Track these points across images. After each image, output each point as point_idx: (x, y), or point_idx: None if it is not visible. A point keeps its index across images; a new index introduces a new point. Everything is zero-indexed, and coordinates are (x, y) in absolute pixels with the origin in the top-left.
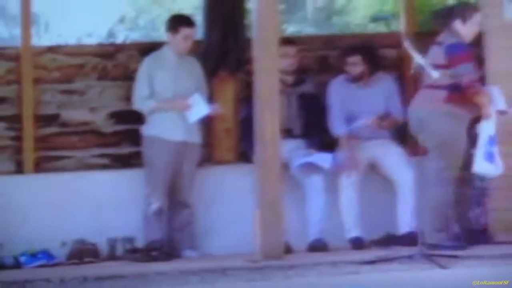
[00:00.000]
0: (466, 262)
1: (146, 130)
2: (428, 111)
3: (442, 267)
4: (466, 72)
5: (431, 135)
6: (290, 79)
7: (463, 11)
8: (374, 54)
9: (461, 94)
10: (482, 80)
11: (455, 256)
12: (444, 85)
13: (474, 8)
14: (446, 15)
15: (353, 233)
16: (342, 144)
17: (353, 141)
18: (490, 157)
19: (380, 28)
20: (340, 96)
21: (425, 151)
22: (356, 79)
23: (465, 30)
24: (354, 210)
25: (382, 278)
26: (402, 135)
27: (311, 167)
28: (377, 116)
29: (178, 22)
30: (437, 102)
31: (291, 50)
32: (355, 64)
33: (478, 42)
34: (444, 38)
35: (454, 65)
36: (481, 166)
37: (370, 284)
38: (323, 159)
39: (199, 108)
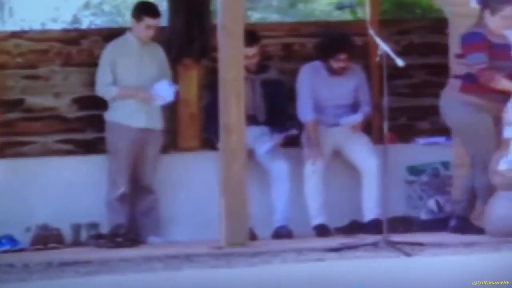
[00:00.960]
0: (430, 250)
1: (109, 116)
2: (447, 100)
3: (407, 254)
4: (475, 62)
5: (449, 123)
6: (254, 65)
7: (493, 1)
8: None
9: (476, 84)
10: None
11: (420, 244)
12: (460, 75)
13: (507, 0)
14: (482, 3)
15: (318, 220)
16: (308, 131)
17: (319, 127)
18: None
19: (345, 15)
20: (310, 82)
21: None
22: (338, 73)
23: (493, 21)
24: (319, 197)
25: (347, 265)
26: (368, 122)
27: (276, 152)
28: (363, 118)
29: (142, 11)
30: (454, 91)
31: (251, 51)
32: (345, 61)
33: (442, 29)
34: (471, 27)
35: (466, 54)
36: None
37: (336, 271)
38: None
39: (165, 94)
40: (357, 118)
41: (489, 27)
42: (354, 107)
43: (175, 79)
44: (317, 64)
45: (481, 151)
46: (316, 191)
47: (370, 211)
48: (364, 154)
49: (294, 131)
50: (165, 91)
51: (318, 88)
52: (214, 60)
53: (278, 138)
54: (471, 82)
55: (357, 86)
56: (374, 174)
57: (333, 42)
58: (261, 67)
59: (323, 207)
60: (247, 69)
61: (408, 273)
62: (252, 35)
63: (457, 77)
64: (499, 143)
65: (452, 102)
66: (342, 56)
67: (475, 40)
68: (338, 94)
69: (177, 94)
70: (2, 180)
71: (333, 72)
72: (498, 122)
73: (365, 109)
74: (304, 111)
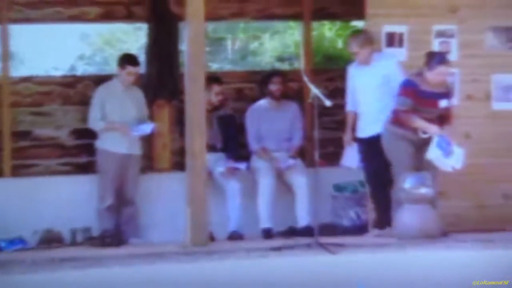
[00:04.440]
0: (351, 249)
1: (98, 144)
2: (383, 128)
3: (333, 253)
4: (399, 103)
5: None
6: (211, 105)
7: (429, 59)
8: (286, 79)
9: (398, 118)
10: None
11: (342, 245)
12: (393, 110)
13: (440, 61)
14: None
15: (266, 224)
16: (259, 155)
17: (266, 151)
18: (444, 148)
19: (285, 66)
20: (256, 119)
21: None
22: (277, 96)
23: (428, 75)
24: (269, 206)
25: (286, 261)
26: (302, 150)
27: (231, 172)
28: (292, 152)
29: (125, 60)
30: (386, 122)
31: (218, 88)
32: (278, 83)
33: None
34: (413, 73)
35: (397, 95)
36: (433, 152)
37: (277, 266)
38: (241, 164)
39: (143, 129)
40: (291, 163)
41: (427, 80)
42: (291, 135)
43: (151, 116)
44: (261, 103)
45: (400, 171)
46: (267, 200)
47: (302, 219)
48: (296, 174)
49: (243, 166)
50: (144, 128)
51: (261, 122)
52: (182, 101)
53: (230, 165)
54: (396, 117)
55: (292, 120)
56: (303, 190)
57: (267, 72)
58: (217, 106)
59: (271, 214)
60: (206, 108)
61: (334, 267)
62: (217, 78)
63: (391, 111)
64: (421, 166)
65: (385, 130)
66: (276, 78)
67: (406, 86)
68: (277, 127)
69: (154, 130)
70: (15, 194)
71: (273, 98)
72: (420, 149)
73: (296, 140)
74: (251, 143)
